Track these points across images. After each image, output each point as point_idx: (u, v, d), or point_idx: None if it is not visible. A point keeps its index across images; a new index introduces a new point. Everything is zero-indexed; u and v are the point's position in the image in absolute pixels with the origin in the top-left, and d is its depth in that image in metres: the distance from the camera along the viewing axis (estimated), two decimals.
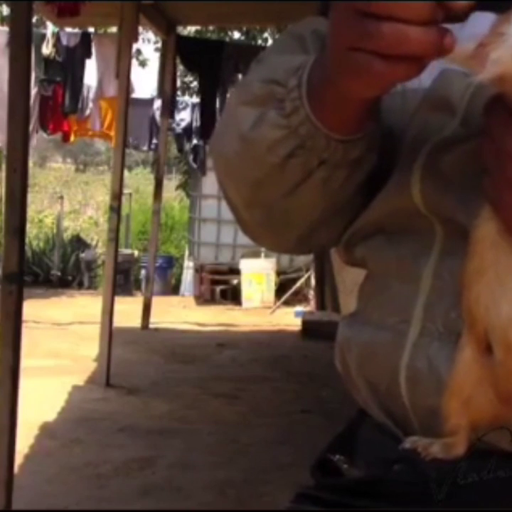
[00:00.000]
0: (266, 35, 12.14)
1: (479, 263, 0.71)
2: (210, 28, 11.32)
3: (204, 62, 7.54)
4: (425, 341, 0.81)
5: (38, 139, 9.21)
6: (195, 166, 10.59)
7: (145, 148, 9.79)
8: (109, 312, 5.39)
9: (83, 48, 7.60)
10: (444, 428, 0.76)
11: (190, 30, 11.10)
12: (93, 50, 7.62)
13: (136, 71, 10.21)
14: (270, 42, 11.75)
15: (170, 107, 7.81)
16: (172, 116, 8.52)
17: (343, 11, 0.66)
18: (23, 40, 2.97)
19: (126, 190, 10.36)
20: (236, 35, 12.42)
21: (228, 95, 8.47)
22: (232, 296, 10.35)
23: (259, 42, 12.01)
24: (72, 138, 9.26)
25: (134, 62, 9.63)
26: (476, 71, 0.64)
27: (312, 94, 0.77)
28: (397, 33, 0.63)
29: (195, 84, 10.74)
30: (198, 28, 11.13)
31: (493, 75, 0.63)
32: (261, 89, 0.81)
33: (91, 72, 7.98)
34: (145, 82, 11.33)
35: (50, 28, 7.98)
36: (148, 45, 12.72)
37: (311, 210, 0.87)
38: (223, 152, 0.88)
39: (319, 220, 0.88)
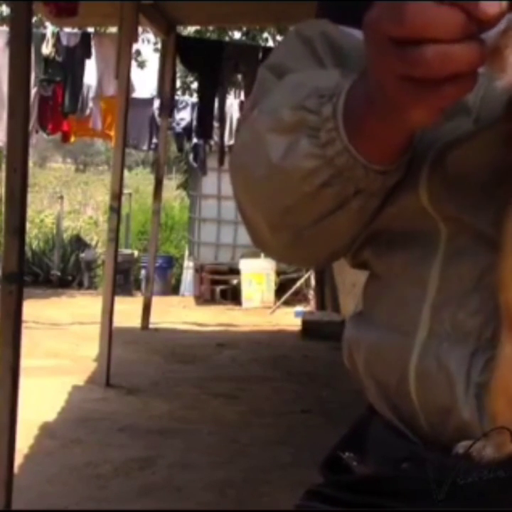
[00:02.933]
0: (266, 35, 12.13)
1: None
2: (210, 28, 11.31)
3: (204, 62, 7.54)
4: (434, 342, 0.80)
5: (37, 138, 9.21)
6: (195, 165, 10.60)
7: (145, 147, 9.79)
8: (109, 312, 5.40)
9: (83, 47, 7.60)
10: (492, 427, 0.75)
11: (190, 30, 11.09)
12: (93, 50, 7.62)
13: (135, 72, 10.20)
14: (270, 42, 11.75)
15: (169, 107, 7.81)
16: (171, 116, 8.52)
17: (377, 42, 0.64)
18: (23, 40, 2.97)
19: (126, 190, 10.36)
20: (236, 35, 12.41)
21: (228, 95, 8.50)
22: (232, 296, 10.35)
23: (260, 42, 12.00)
24: (72, 138, 9.27)
25: (133, 63, 9.62)
26: (495, 76, 0.63)
27: (350, 125, 0.75)
28: (441, 55, 0.61)
29: (195, 84, 10.73)
30: (198, 28, 11.12)
31: None
32: (291, 116, 0.78)
33: (91, 72, 7.99)
34: (145, 82, 11.31)
35: (50, 28, 7.97)
36: (147, 45, 12.74)
37: (342, 234, 0.86)
38: (247, 177, 0.85)
39: (348, 241, 0.88)
